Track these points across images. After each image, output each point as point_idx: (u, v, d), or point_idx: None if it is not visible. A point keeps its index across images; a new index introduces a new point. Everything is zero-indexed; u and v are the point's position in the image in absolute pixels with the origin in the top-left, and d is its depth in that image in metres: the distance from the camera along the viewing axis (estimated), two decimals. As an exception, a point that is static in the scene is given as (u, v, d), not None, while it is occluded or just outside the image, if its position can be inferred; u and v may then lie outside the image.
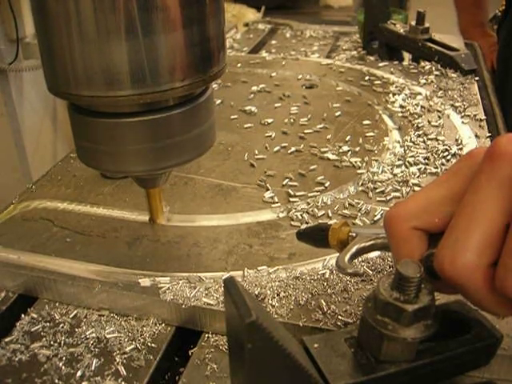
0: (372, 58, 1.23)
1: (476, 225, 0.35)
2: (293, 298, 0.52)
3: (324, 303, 0.51)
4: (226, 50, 0.54)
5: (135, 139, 0.51)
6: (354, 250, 0.45)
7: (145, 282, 0.55)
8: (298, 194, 0.70)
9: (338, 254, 0.46)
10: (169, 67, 0.48)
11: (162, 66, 0.47)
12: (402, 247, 0.40)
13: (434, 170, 0.74)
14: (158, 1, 0.45)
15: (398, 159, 0.78)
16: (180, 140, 0.53)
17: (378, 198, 0.69)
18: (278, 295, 0.52)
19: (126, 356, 0.49)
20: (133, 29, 0.45)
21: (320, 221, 0.64)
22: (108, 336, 0.51)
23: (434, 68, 1.12)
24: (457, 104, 0.95)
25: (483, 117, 0.91)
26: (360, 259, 0.56)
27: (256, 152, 0.81)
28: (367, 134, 0.86)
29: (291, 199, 0.69)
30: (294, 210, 0.67)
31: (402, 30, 1.19)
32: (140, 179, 0.59)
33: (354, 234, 0.47)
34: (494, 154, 0.35)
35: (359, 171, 0.75)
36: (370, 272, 0.55)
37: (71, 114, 0.53)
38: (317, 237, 0.51)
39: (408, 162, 0.77)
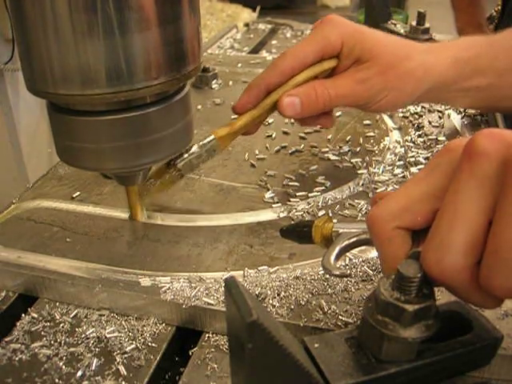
0: (372, 58, 1.23)
1: (459, 226, 0.35)
2: (293, 297, 0.52)
3: (324, 303, 0.51)
4: (202, 48, 0.55)
5: (112, 136, 0.52)
6: (337, 250, 0.45)
7: (145, 281, 0.55)
8: (298, 194, 0.70)
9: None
10: (142, 66, 0.48)
11: (136, 64, 0.48)
12: (386, 247, 0.40)
13: (434, 171, 0.74)
14: (131, 0, 0.45)
15: (399, 159, 0.78)
16: (157, 137, 0.54)
17: (378, 198, 0.69)
18: (278, 295, 0.52)
19: (126, 356, 0.49)
20: (106, 28, 0.46)
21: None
22: (108, 336, 0.51)
23: (434, 68, 1.12)
24: (457, 104, 0.95)
25: (484, 117, 0.91)
26: (360, 259, 0.56)
27: (256, 152, 0.81)
28: (368, 134, 0.86)
29: (292, 199, 0.69)
30: (294, 210, 0.67)
31: (402, 30, 1.19)
32: (118, 176, 0.60)
33: (338, 230, 0.47)
34: (472, 152, 0.36)
35: (360, 171, 0.75)
36: (371, 272, 0.55)
37: (50, 112, 0.54)
38: (300, 234, 0.51)
39: (409, 162, 0.77)
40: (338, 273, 0.44)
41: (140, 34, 0.47)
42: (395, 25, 1.22)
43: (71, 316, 0.54)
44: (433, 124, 0.88)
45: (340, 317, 0.50)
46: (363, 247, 0.51)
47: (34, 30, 0.47)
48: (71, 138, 0.54)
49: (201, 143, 0.63)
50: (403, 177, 0.73)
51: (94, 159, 0.54)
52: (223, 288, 0.52)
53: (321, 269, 0.56)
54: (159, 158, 0.56)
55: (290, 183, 0.73)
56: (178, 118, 0.56)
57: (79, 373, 0.47)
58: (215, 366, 0.48)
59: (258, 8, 1.97)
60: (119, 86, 0.48)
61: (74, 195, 0.71)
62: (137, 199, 0.64)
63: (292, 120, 0.91)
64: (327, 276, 0.55)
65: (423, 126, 0.87)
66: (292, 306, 0.51)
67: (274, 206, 0.68)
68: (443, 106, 0.94)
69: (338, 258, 0.45)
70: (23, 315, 0.54)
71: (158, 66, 0.49)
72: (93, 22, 0.45)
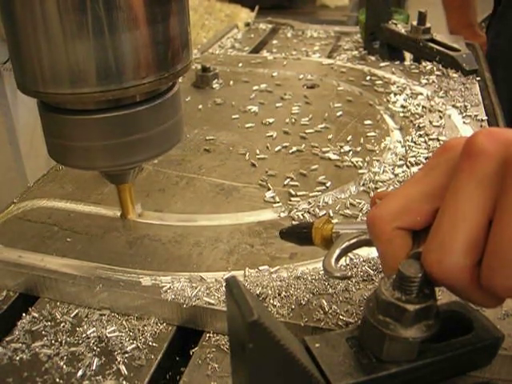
0: (373, 58, 1.23)
1: (459, 227, 0.35)
2: (294, 297, 0.52)
3: (325, 303, 0.51)
4: (191, 47, 0.55)
5: (102, 135, 0.52)
6: (338, 251, 0.45)
7: (146, 281, 0.54)
8: (299, 193, 0.70)
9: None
10: (131, 65, 0.49)
11: (124, 63, 0.48)
12: (387, 248, 0.40)
13: (435, 170, 0.74)
14: (119, 0, 0.46)
15: (400, 159, 0.78)
16: (147, 135, 0.54)
17: (379, 198, 0.69)
18: (279, 295, 0.52)
19: (127, 355, 0.49)
20: (95, 28, 0.46)
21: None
22: (109, 335, 0.51)
23: (435, 68, 1.12)
24: (458, 104, 0.95)
25: (484, 117, 0.91)
26: (361, 259, 0.56)
27: (257, 152, 0.81)
28: (368, 134, 0.86)
29: (292, 199, 0.69)
30: (295, 210, 0.66)
31: (403, 30, 1.19)
32: (109, 175, 0.60)
33: (337, 231, 0.47)
34: (471, 151, 0.35)
35: (360, 171, 0.75)
36: (372, 272, 0.55)
37: (41, 111, 0.55)
38: (300, 235, 0.51)
39: (409, 162, 0.77)
40: (339, 275, 0.44)
41: (128, 33, 0.47)
42: (396, 25, 1.22)
43: (72, 315, 0.54)
44: (433, 124, 0.88)
45: (341, 317, 0.50)
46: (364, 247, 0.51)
47: (23, 29, 0.47)
48: (61, 137, 0.54)
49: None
50: (404, 177, 0.73)
51: (85, 158, 0.54)
52: (224, 288, 0.52)
53: (322, 268, 0.56)
54: (149, 156, 0.56)
55: (291, 183, 0.73)
56: (168, 117, 0.56)
57: (80, 372, 0.47)
58: (216, 365, 0.48)
59: (257, 8, 1.96)
60: (108, 85, 0.48)
61: (75, 195, 0.71)
62: (128, 197, 0.64)
63: (293, 120, 0.91)
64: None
65: (424, 126, 0.87)
66: (293, 306, 0.51)
67: (274, 205, 0.68)
68: (444, 106, 0.94)
69: (338, 259, 0.45)
70: (24, 315, 0.54)
71: (147, 64, 0.49)
72: (82, 22, 0.45)
